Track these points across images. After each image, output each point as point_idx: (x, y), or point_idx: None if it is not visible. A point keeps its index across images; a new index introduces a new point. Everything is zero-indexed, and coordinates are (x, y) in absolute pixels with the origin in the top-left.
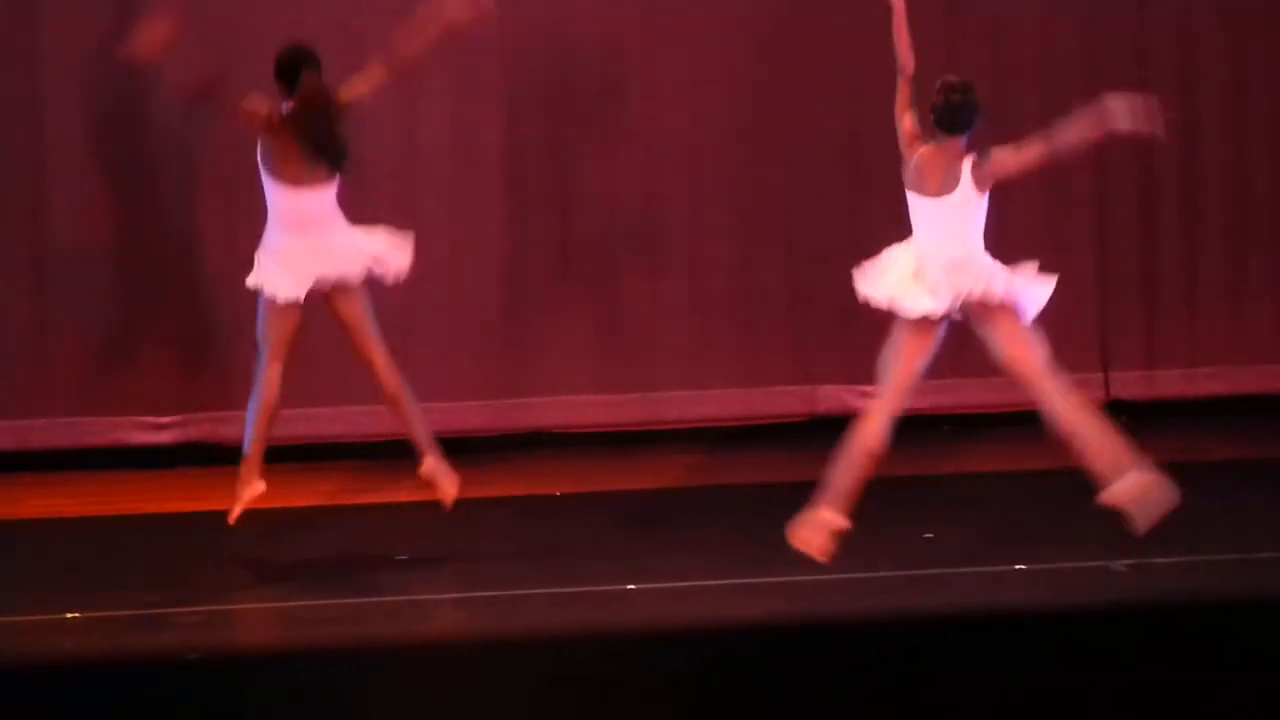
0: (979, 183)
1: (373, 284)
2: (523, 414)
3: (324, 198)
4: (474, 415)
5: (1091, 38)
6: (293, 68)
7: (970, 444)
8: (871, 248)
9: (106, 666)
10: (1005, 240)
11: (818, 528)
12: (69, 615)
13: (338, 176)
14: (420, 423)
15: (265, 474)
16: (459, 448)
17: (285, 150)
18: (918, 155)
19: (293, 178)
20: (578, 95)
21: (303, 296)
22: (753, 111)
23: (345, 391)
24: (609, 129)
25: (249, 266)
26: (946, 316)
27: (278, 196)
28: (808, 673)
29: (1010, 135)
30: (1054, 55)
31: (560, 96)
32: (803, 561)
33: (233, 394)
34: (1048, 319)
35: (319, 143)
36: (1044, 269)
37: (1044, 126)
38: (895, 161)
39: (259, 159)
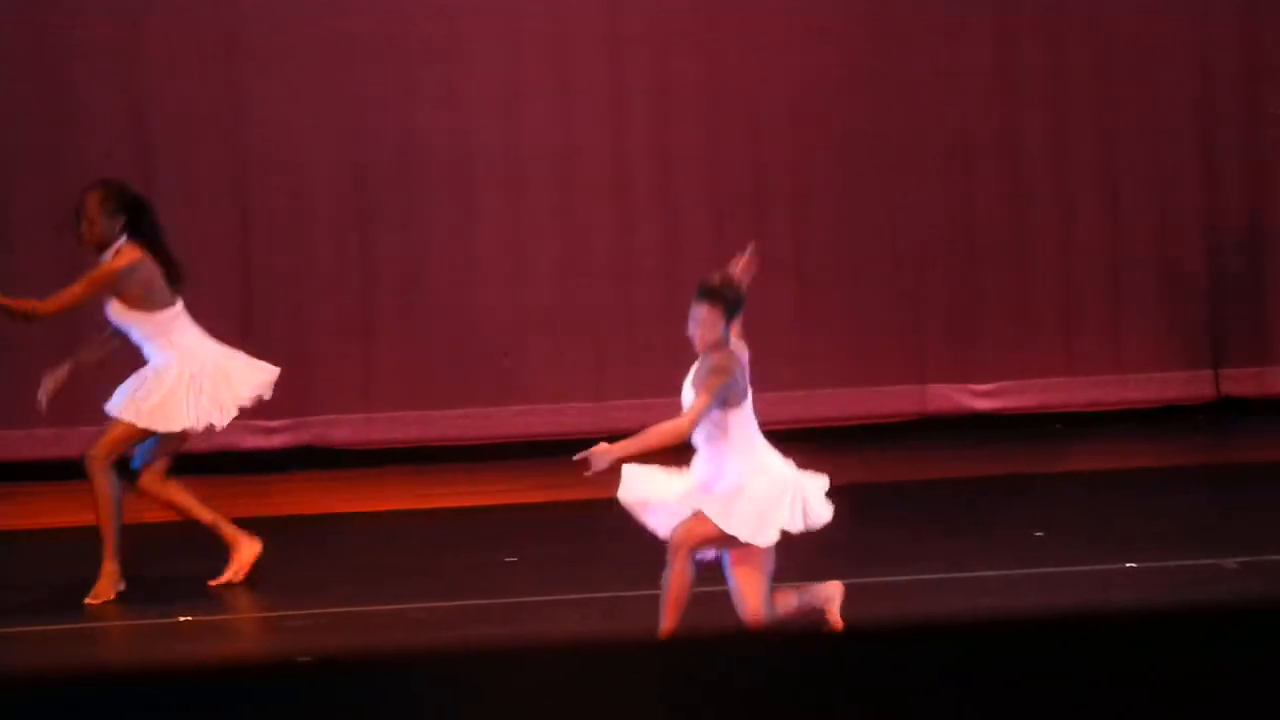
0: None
1: (482, 285)
2: (632, 415)
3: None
4: (584, 417)
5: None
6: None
7: (1081, 442)
8: (978, 247)
9: (218, 670)
10: (1116, 238)
11: None
12: (181, 619)
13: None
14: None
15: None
16: (570, 449)
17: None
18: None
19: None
20: (682, 97)
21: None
22: (858, 111)
23: (456, 396)
24: (714, 132)
25: (358, 270)
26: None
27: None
28: (916, 674)
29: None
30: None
31: (664, 98)
32: (914, 561)
33: (343, 398)
34: (1157, 317)
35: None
36: (1155, 266)
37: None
38: (1001, 160)
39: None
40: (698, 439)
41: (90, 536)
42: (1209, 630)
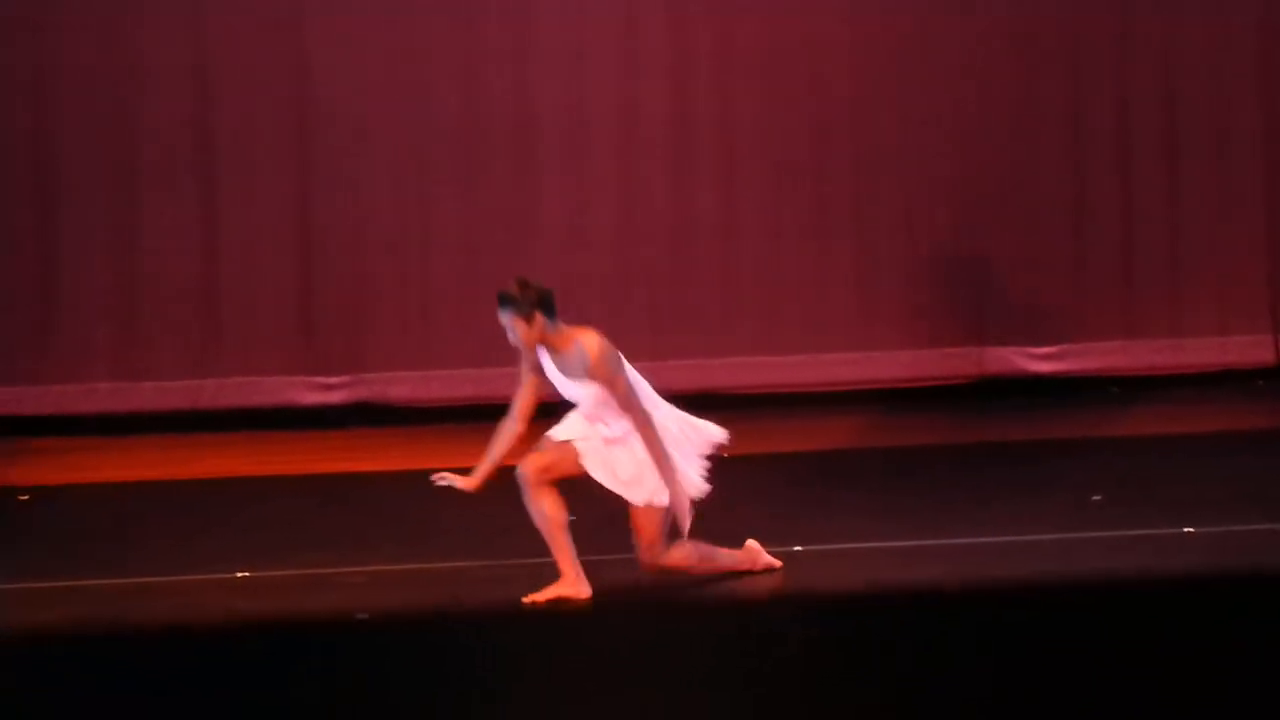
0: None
1: (541, 243)
2: (690, 375)
3: None
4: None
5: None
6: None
7: (1139, 406)
8: (1038, 210)
9: (275, 626)
10: (1176, 202)
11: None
12: (239, 574)
13: None
14: None
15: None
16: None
17: None
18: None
19: None
20: (742, 58)
21: None
22: (919, 74)
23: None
24: (774, 94)
25: (417, 227)
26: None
27: None
28: (971, 638)
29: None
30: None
31: (725, 60)
32: (971, 524)
33: (401, 354)
34: (1217, 281)
35: None
36: (1215, 230)
37: None
38: (1062, 124)
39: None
40: (603, 415)
41: (147, 490)
42: (1268, 595)
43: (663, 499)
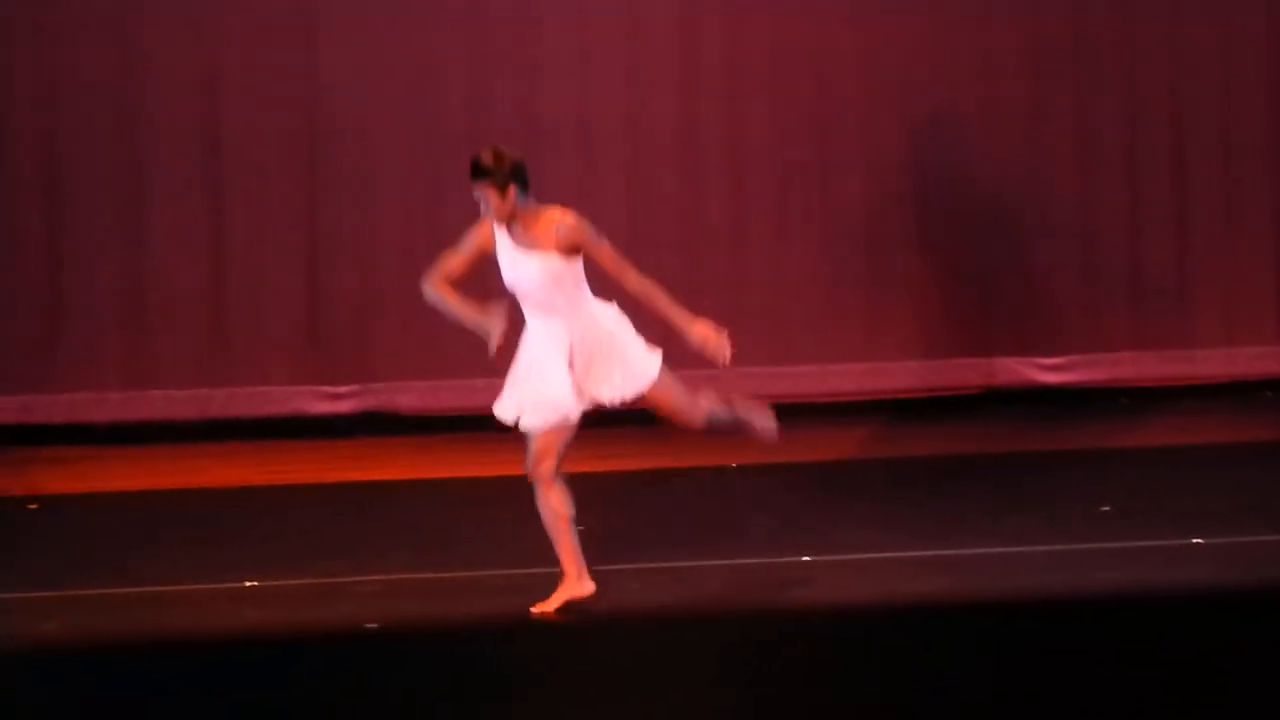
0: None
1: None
2: (699, 383)
3: None
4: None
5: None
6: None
7: (1148, 417)
8: (1047, 220)
9: (285, 635)
10: (1184, 212)
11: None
12: (248, 584)
13: None
14: None
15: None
16: (635, 419)
17: None
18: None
19: None
20: (750, 64)
21: None
22: (927, 81)
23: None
24: (780, 103)
25: (425, 235)
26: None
27: None
28: (979, 649)
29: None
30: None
31: (732, 66)
32: (978, 534)
33: (410, 364)
34: (1226, 292)
35: None
36: (1224, 241)
37: None
38: (1071, 133)
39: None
40: (554, 301)
41: (155, 499)
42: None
43: (654, 369)
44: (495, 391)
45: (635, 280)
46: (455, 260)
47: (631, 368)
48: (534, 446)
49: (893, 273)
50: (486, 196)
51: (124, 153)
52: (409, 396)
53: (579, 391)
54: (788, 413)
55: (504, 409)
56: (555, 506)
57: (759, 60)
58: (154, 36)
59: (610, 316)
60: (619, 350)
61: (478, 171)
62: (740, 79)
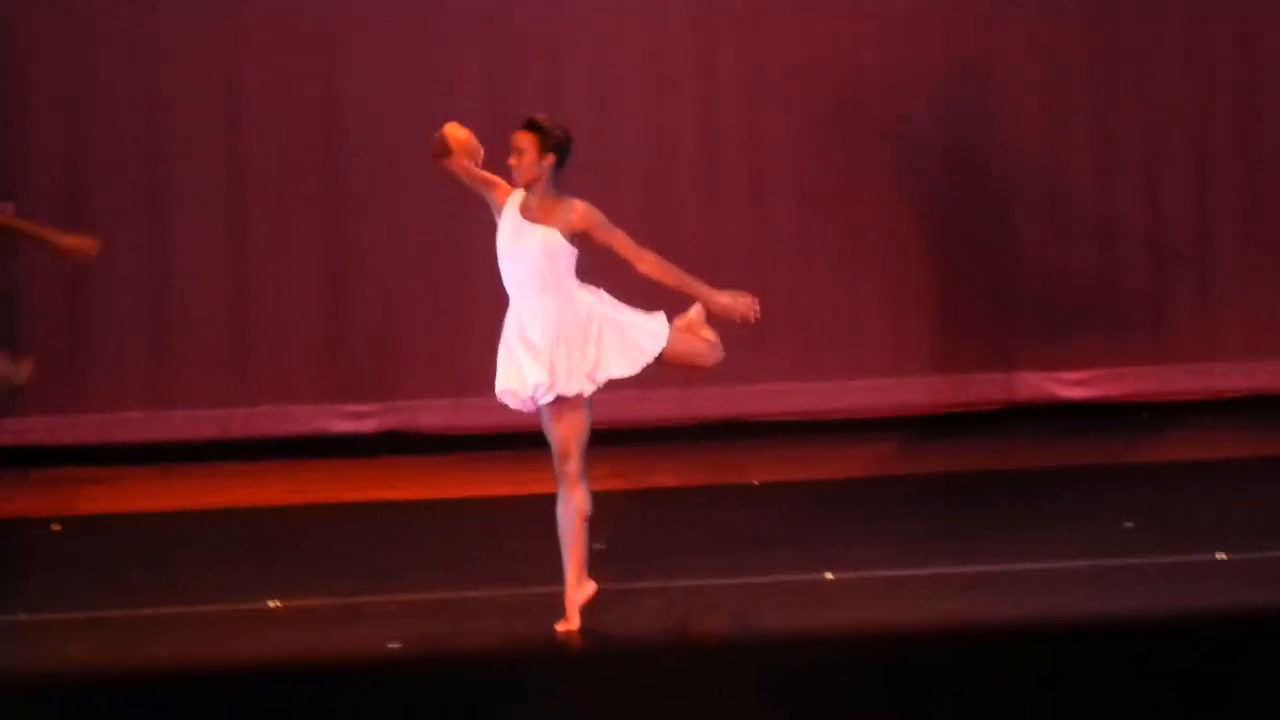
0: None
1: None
2: (718, 402)
3: None
4: (667, 404)
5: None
6: None
7: (1170, 432)
8: (1068, 235)
9: (307, 655)
10: (1206, 225)
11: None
12: (271, 604)
13: None
14: None
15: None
16: (655, 437)
17: None
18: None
19: None
20: (771, 88)
21: None
22: (949, 97)
23: None
24: (802, 121)
25: (447, 257)
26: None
27: None
28: (1000, 668)
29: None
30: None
31: (754, 85)
32: (1001, 551)
33: (432, 382)
34: (1249, 305)
35: None
36: (1245, 254)
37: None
38: (1092, 146)
39: None
40: (543, 279)
41: (178, 519)
42: None
43: (663, 335)
44: (515, 411)
45: (654, 261)
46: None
47: (639, 339)
48: (556, 445)
49: (913, 288)
50: (523, 149)
51: (146, 172)
52: (431, 416)
53: (566, 374)
54: (809, 429)
55: (503, 380)
56: (578, 504)
57: (779, 76)
58: (175, 56)
59: (601, 300)
60: (618, 328)
61: (530, 124)
62: (760, 95)
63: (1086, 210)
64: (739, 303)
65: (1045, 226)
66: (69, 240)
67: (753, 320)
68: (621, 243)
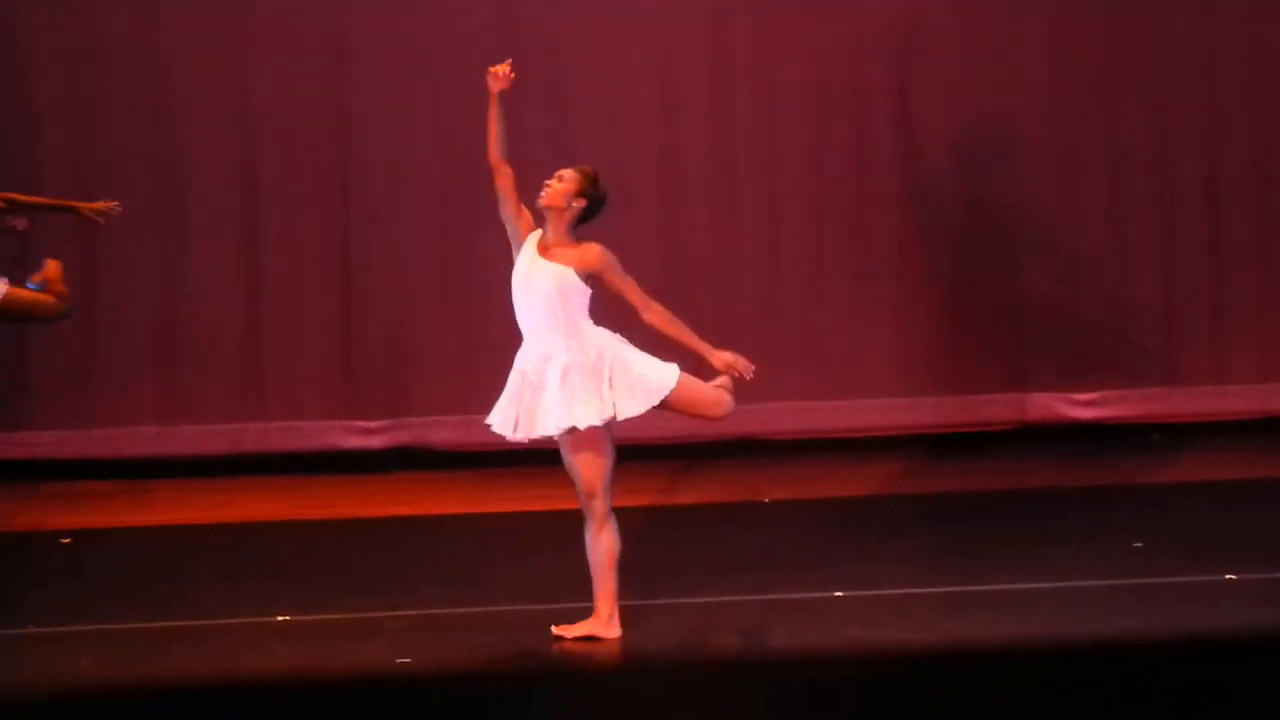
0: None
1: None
2: (731, 421)
3: None
4: (680, 423)
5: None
6: None
7: (1181, 452)
8: (1079, 255)
9: (316, 671)
10: (1218, 247)
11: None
12: (280, 618)
13: None
14: None
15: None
16: (667, 454)
17: None
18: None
19: None
20: (782, 106)
21: None
22: (961, 115)
23: None
24: (813, 139)
25: (459, 273)
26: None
27: None
28: (1010, 688)
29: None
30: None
31: (767, 102)
32: (1011, 571)
33: (443, 399)
34: (1260, 327)
35: None
36: (1257, 276)
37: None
38: (1105, 167)
39: None
40: (554, 316)
41: (189, 533)
42: None
43: (671, 380)
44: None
45: (659, 312)
46: (513, 189)
47: (649, 380)
48: (580, 484)
49: (925, 308)
50: (565, 179)
51: (158, 188)
52: (442, 431)
53: (569, 411)
54: (819, 448)
55: (494, 419)
56: (608, 544)
57: (791, 95)
58: (187, 70)
59: (612, 341)
60: (627, 367)
61: (581, 170)
62: (773, 114)
63: (1097, 231)
64: (739, 363)
65: (1056, 247)
66: (90, 205)
67: (748, 379)
68: (631, 290)
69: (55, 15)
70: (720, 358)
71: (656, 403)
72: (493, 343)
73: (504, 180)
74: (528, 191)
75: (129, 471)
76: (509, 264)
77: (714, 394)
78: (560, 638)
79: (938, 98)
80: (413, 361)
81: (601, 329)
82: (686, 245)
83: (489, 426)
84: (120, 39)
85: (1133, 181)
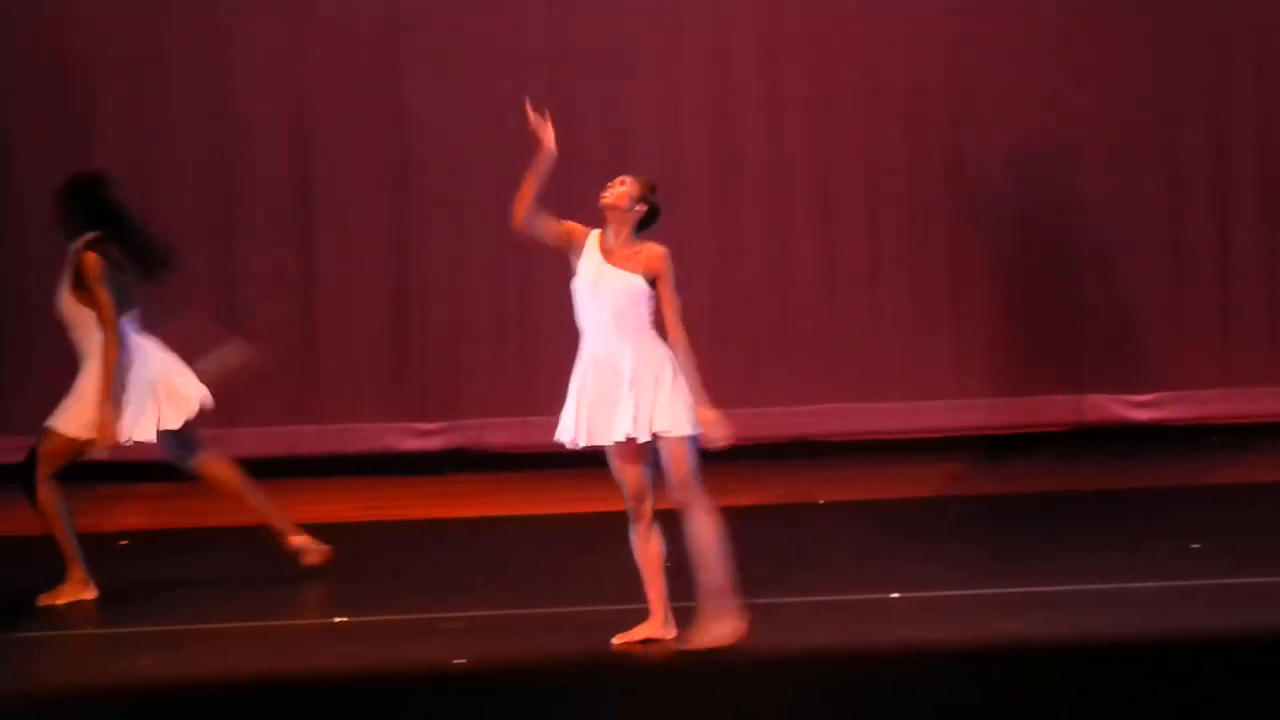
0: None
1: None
2: (788, 422)
3: None
4: (737, 423)
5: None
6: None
7: (1238, 454)
8: (1135, 256)
9: (374, 671)
10: (1275, 249)
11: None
12: (338, 620)
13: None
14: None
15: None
16: (723, 456)
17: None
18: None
19: None
20: (838, 109)
21: None
22: (1017, 117)
23: None
24: (869, 141)
25: (514, 276)
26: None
27: None
28: (1067, 689)
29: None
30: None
31: (821, 105)
32: (1069, 572)
33: (499, 400)
34: None
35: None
36: None
37: None
38: (1161, 170)
39: None
40: (624, 323)
41: (245, 535)
42: None
43: (689, 426)
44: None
45: (684, 340)
46: (550, 218)
47: (673, 410)
48: (628, 488)
49: (981, 309)
50: (626, 183)
51: (213, 192)
52: (498, 433)
53: (637, 418)
54: (875, 449)
55: (565, 432)
56: (655, 548)
57: (847, 99)
58: (242, 78)
59: (669, 357)
60: (668, 389)
61: (642, 179)
62: (829, 118)
63: (1154, 231)
64: (722, 427)
65: (1112, 248)
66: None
67: (721, 448)
68: (674, 305)
69: (118, 27)
70: (708, 414)
71: (658, 431)
72: (547, 345)
73: (539, 227)
74: (587, 195)
75: (185, 474)
76: (563, 266)
77: (697, 486)
78: (625, 644)
79: (994, 101)
80: (468, 363)
81: (662, 343)
82: (743, 249)
83: (561, 443)
84: (178, 52)
85: (1189, 183)
